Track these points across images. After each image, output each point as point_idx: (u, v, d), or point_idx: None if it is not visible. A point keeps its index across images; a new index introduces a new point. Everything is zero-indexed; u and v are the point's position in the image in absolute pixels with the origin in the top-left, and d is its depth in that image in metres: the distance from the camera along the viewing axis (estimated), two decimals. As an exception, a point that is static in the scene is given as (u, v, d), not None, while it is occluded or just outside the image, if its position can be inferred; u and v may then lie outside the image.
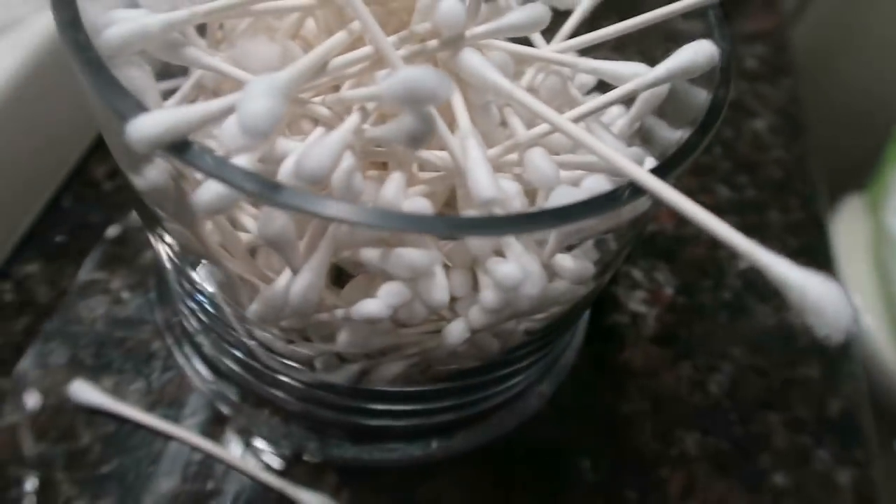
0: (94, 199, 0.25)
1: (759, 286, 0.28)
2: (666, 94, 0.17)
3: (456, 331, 0.15)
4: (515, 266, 0.13)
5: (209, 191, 0.11)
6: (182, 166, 0.11)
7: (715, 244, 0.29)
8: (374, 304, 0.13)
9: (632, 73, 0.15)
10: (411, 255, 0.13)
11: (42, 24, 0.22)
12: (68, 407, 0.20)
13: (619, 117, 0.19)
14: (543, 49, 0.16)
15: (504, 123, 0.15)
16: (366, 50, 0.13)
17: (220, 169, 0.10)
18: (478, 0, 0.14)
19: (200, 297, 0.18)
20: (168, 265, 0.18)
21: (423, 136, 0.11)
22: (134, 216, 0.25)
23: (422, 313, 0.14)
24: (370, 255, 0.14)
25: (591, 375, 0.24)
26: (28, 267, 0.23)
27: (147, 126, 0.10)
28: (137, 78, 0.13)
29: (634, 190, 0.12)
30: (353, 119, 0.13)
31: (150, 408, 0.21)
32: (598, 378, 0.24)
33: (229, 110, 0.11)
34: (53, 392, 0.21)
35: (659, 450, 0.23)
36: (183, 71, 0.18)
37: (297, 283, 0.14)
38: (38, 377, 0.21)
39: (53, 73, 0.23)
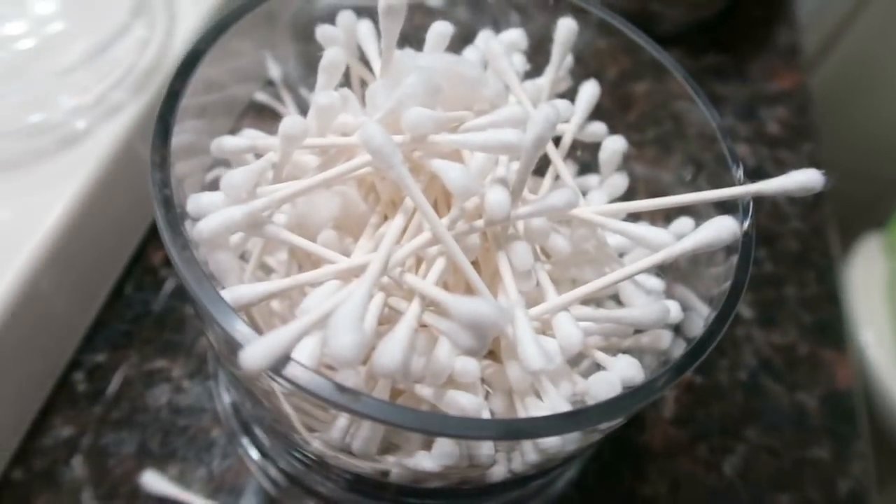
0: (153, 285, 0.27)
1: (774, 366, 0.29)
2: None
3: (498, 474, 0.16)
4: (557, 438, 0.14)
5: (286, 385, 0.13)
6: (276, 378, 0.13)
7: (732, 322, 0.30)
8: (428, 462, 0.15)
9: (658, 240, 0.17)
10: (461, 399, 0.15)
11: (109, 131, 0.24)
12: (141, 495, 0.23)
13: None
14: (581, 210, 0.18)
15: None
16: (424, 237, 0.15)
17: (312, 385, 0.12)
18: (521, 184, 0.16)
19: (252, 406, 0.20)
20: (232, 389, 0.20)
21: (477, 353, 0.12)
22: (188, 304, 0.27)
23: (466, 464, 0.16)
24: (425, 392, 0.16)
25: (613, 457, 0.26)
26: (97, 356, 0.25)
27: (256, 356, 0.12)
28: (223, 261, 0.15)
29: (668, 379, 0.14)
30: (414, 308, 0.14)
31: (212, 494, 0.23)
32: (620, 460, 0.26)
33: (316, 324, 0.13)
34: (125, 480, 0.23)
35: (676, 532, 0.25)
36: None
37: (359, 436, 0.16)
38: (111, 466, 0.23)
39: (118, 175, 0.25)
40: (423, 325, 0.17)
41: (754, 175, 0.17)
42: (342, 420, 0.16)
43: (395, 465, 0.16)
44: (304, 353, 0.13)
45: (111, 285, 0.26)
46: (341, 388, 0.12)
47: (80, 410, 0.24)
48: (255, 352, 0.12)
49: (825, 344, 0.30)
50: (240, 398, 0.22)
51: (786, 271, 0.32)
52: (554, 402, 0.15)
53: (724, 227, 0.16)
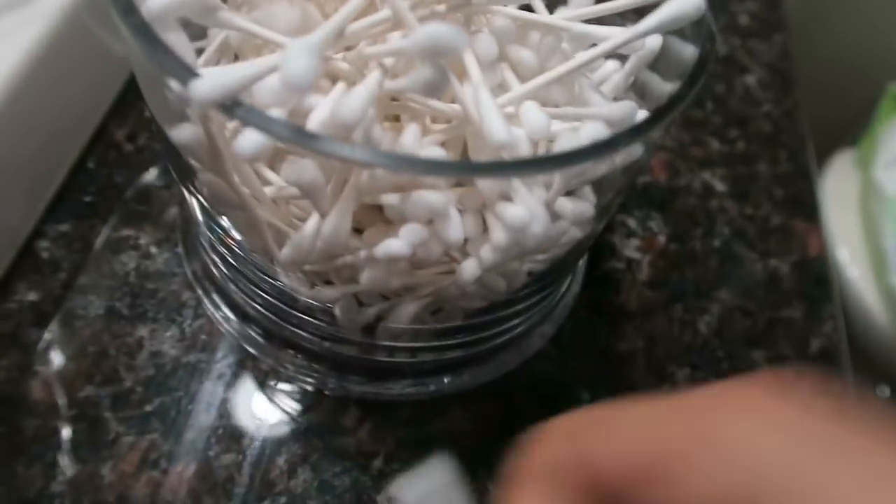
0: (117, 161, 0.26)
1: (747, 235, 0.29)
2: (658, 50, 0.18)
3: (469, 268, 0.16)
4: (523, 208, 0.14)
5: (250, 140, 0.13)
6: (229, 119, 0.12)
7: (706, 195, 0.30)
8: (396, 243, 0.15)
9: (622, 35, 0.16)
10: (429, 197, 0.15)
11: (62, -8, 0.23)
12: (110, 352, 0.22)
13: (614, 72, 0.20)
14: (542, 15, 0.17)
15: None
16: (384, 13, 0.15)
17: (267, 123, 0.12)
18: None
19: (231, 243, 0.19)
20: (199, 214, 0.20)
21: (439, 84, 0.12)
22: (154, 176, 0.26)
23: (438, 251, 0.16)
24: (391, 198, 0.16)
25: (589, 317, 0.26)
26: (61, 226, 0.24)
27: (206, 87, 0.11)
28: (176, 42, 0.15)
29: (630, 135, 0.14)
30: (375, 74, 0.14)
31: (185, 352, 0.23)
32: (596, 319, 0.26)
33: (272, 69, 0.12)
34: (94, 340, 0.22)
35: (652, 384, 0.25)
36: (199, 34, 0.19)
37: (326, 225, 0.15)
38: (79, 327, 0.23)
39: (73, 41, 0.24)
40: (390, 129, 0.17)
41: (726, 62, 0.17)
42: (312, 219, 0.16)
43: (367, 262, 0.16)
44: (268, 87, 0.12)
45: (73, 158, 0.26)
46: (294, 127, 0.12)
47: (45, 276, 0.23)
48: (205, 81, 0.11)
49: (797, 216, 0.30)
50: (212, 250, 0.21)
51: (758, 150, 0.32)
52: (526, 200, 0.15)
53: (688, 1, 0.15)
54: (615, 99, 0.20)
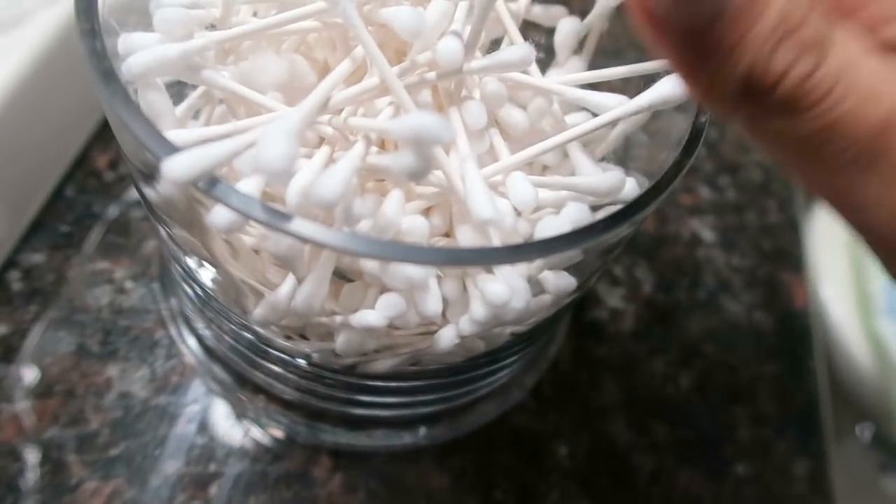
0: (97, 188, 0.26)
1: (733, 286, 0.29)
2: (646, 120, 0.18)
3: (446, 337, 0.16)
4: (503, 286, 0.14)
5: (223, 216, 0.12)
6: (204, 197, 0.12)
7: (693, 244, 0.30)
8: (373, 316, 0.15)
9: (615, 104, 0.16)
10: (408, 269, 0.15)
11: (48, 17, 0.23)
12: (78, 392, 0.22)
13: (604, 133, 0.20)
14: (535, 78, 0.17)
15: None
16: (372, 82, 0.14)
17: (243, 203, 0.12)
18: (475, 37, 0.15)
19: (197, 289, 0.19)
20: (172, 261, 0.19)
21: (422, 173, 0.12)
22: (134, 206, 0.25)
23: (415, 321, 0.15)
24: (370, 265, 0.15)
25: (570, 368, 0.25)
26: (35, 256, 0.24)
27: (180, 166, 0.11)
28: (156, 101, 0.14)
29: (612, 221, 0.13)
30: (358, 147, 0.14)
31: (155, 394, 0.22)
32: (578, 371, 0.26)
33: (249, 145, 0.12)
34: (62, 378, 0.22)
35: (631, 439, 0.24)
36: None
37: (301, 291, 0.15)
38: (47, 364, 0.22)
39: (59, 66, 0.23)
40: (373, 190, 0.16)
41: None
42: (287, 280, 0.15)
43: (342, 328, 0.16)
44: (248, 160, 0.12)
45: (51, 187, 0.25)
46: (271, 209, 0.12)
47: (14, 309, 0.23)
48: (180, 160, 0.11)
49: (783, 268, 0.30)
50: (186, 293, 0.21)
51: (748, 199, 0.32)
52: (507, 275, 0.15)
53: (677, 84, 0.15)
54: (602, 158, 0.20)
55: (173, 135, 0.14)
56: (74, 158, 0.26)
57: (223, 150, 0.11)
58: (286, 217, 0.12)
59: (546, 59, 0.21)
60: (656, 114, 0.18)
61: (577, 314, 0.27)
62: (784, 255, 0.31)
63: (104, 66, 0.13)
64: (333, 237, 0.12)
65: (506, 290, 0.14)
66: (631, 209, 0.14)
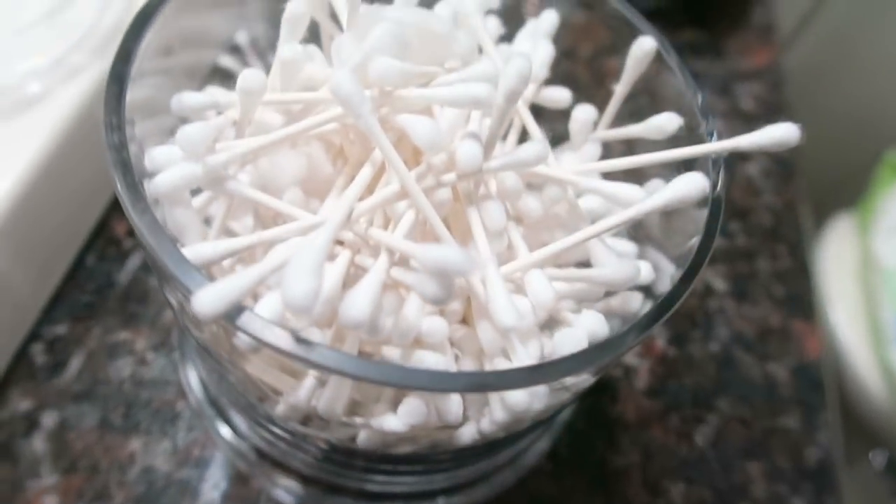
0: (116, 256, 0.26)
1: (746, 337, 0.29)
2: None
3: (467, 434, 0.16)
4: (524, 394, 0.14)
5: (246, 341, 0.12)
6: (231, 327, 0.12)
7: (705, 294, 0.30)
8: (394, 421, 0.15)
9: (629, 196, 0.16)
10: (429, 359, 0.15)
11: (67, 95, 0.23)
12: (102, 467, 0.22)
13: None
14: (551, 169, 0.17)
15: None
16: (391, 189, 0.15)
17: (270, 336, 0.12)
18: (493, 138, 0.15)
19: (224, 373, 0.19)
20: (192, 349, 0.19)
21: (444, 301, 0.12)
22: (152, 275, 0.26)
23: (435, 424, 0.16)
24: (392, 354, 0.16)
25: (586, 429, 0.26)
26: (57, 327, 0.24)
27: (207, 301, 0.11)
28: (182, 216, 0.14)
29: (635, 334, 0.14)
30: (382, 261, 0.14)
31: (177, 468, 0.22)
32: (593, 431, 0.26)
33: (274, 270, 0.12)
34: (86, 453, 0.22)
35: (647, 500, 0.25)
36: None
37: (324, 396, 0.15)
38: (72, 439, 0.22)
39: (79, 141, 0.24)
40: (392, 286, 0.17)
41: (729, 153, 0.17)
42: (308, 381, 0.16)
43: (363, 427, 0.16)
44: (265, 305, 0.12)
45: (72, 257, 0.25)
46: (299, 339, 0.12)
47: (39, 383, 0.23)
48: (207, 295, 0.11)
49: (796, 316, 0.30)
50: (205, 369, 0.21)
51: (758, 245, 0.32)
52: (522, 363, 0.15)
53: (693, 182, 0.15)
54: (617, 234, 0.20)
55: (199, 249, 0.14)
56: (94, 227, 0.26)
57: (249, 281, 0.12)
58: (313, 347, 0.12)
59: (552, 138, 0.21)
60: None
61: (591, 371, 0.27)
62: (796, 302, 0.31)
63: (140, 205, 0.13)
64: (357, 367, 0.12)
65: (526, 397, 0.14)
66: (648, 321, 0.14)
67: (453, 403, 0.15)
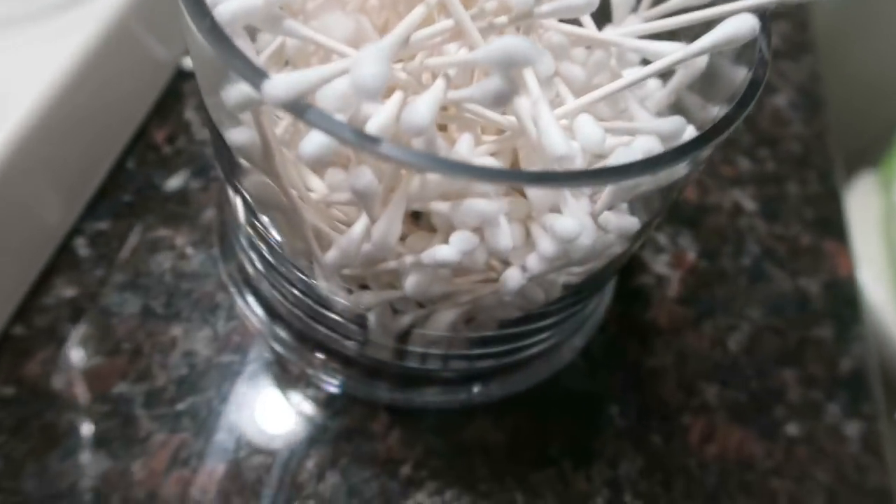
0: (156, 162, 0.27)
1: (777, 254, 0.29)
2: (703, 68, 0.18)
3: (513, 277, 0.16)
4: (574, 220, 0.14)
5: (315, 142, 0.13)
6: (299, 120, 0.12)
7: (735, 213, 0.30)
8: (447, 250, 0.15)
9: (675, 49, 0.17)
10: (480, 204, 0.15)
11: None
12: (144, 350, 0.22)
13: (657, 90, 0.20)
14: (594, 31, 0.17)
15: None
16: (446, 23, 0.15)
17: (335, 126, 0.12)
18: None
19: (270, 242, 0.19)
20: (241, 214, 0.20)
21: (508, 97, 0.12)
22: (192, 178, 0.26)
23: (483, 260, 0.16)
24: (441, 206, 0.16)
25: (619, 331, 0.26)
26: (99, 224, 0.25)
27: (278, 88, 0.11)
28: (243, 48, 0.15)
29: (686, 150, 0.14)
30: (440, 82, 0.14)
31: (218, 353, 0.23)
32: (626, 334, 0.26)
33: (341, 73, 0.12)
34: (128, 337, 0.23)
35: (682, 399, 0.25)
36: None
37: (377, 229, 0.15)
38: (115, 324, 0.23)
39: (120, 44, 0.24)
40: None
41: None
42: (361, 220, 0.16)
43: (414, 267, 0.16)
44: (332, 92, 0.13)
45: (114, 158, 0.26)
46: (359, 133, 0.12)
47: (82, 272, 0.24)
48: (279, 82, 0.12)
49: (826, 236, 0.30)
50: (250, 247, 0.22)
51: (788, 170, 0.32)
52: (574, 211, 0.15)
53: (743, 22, 0.15)
54: (658, 115, 0.20)
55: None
56: (134, 133, 0.27)
57: (319, 74, 0.12)
58: (377, 140, 0.12)
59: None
60: (709, 72, 0.19)
61: (623, 281, 0.27)
62: (827, 225, 0.31)
63: (199, 8, 0.13)
64: (424, 159, 0.12)
65: (576, 224, 0.14)
66: (703, 139, 0.14)
67: (502, 232, 0.15)
